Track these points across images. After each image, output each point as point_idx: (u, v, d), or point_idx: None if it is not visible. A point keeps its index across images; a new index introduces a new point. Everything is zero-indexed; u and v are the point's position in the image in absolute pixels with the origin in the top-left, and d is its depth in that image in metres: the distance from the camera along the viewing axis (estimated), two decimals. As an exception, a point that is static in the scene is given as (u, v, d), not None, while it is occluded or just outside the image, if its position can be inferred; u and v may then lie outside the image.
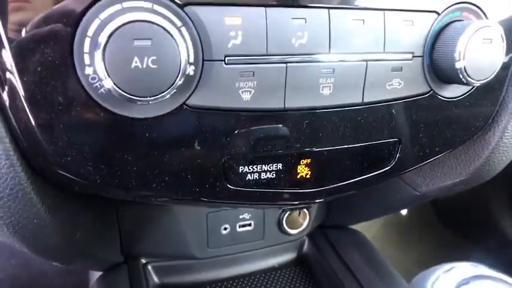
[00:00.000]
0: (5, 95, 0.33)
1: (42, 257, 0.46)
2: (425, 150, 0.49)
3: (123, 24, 0.30)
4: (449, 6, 0.44)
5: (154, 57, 0.31)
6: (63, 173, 0.35)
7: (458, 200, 1.66)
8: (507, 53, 0.48)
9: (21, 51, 0.31)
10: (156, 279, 0.77)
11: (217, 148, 0.39)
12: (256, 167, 0.41)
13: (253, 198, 0.42)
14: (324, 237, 0.86)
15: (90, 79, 0.32)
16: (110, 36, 0.30)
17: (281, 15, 0.36)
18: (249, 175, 0.41)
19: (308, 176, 0.44)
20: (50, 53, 0.31)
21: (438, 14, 0.43)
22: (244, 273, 0.82)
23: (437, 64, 0.44)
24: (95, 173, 0.36)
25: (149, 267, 0.76)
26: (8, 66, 0.31)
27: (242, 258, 0.83)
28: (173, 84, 0.32)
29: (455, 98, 0.47)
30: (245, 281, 0.81)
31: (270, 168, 0.42)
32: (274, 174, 0.42)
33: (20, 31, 0.31)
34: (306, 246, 0.88)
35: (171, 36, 0.31)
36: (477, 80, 0.43)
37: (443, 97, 0.47)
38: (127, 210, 0.69)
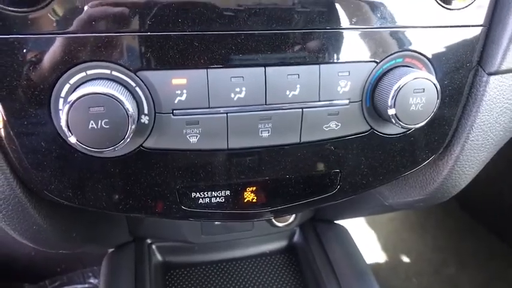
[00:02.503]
0: (4, 139, 0.43)
1: (47, 249, 0.58)
2: (369, 178, 0.54)
3: (80, 97, 0.38)
4: (388, 56, 0.47)
5: (107, 120, 0.39)
6: (50, 195, 0.46)
7: (482, 188, 1.65)
8: (452, 93, 0.52)
9: (11, 110, 0.41)
10: (159, 257, 0.90)
11: (171, 179, 0.47)
12: (207, 193, 0.49)
13: (205, 217, 0.51)
14: (313, 229, 0.94)
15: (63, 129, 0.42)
16: (71, 105, 0.38)
17: (221, 74, 0.43)
18: (200, 199, 0.50)
19: (254, 200, 0.51)
20: (33, 111, 0.41)
21: (377, 62, 0.47)
22: (238, 256, 0.93)
23: (376, 107, 0.49)
24: (73, 197, 0.46)
25: (153, 246, 0.89)
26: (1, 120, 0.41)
27: (238, 244, 0.94)
28: (124, 138, 0.40)
29: (397, 134, 0.52)
30: (237, 264, 0.92)
31: (219, 194, 0.50)
32: (223, 199, 0.50)
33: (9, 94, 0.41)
34: (296, 236, 0.96)
35: (120, 103, 0.39)
36: (409, 125, 0.48)
37: (384, 134, 0.51)
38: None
